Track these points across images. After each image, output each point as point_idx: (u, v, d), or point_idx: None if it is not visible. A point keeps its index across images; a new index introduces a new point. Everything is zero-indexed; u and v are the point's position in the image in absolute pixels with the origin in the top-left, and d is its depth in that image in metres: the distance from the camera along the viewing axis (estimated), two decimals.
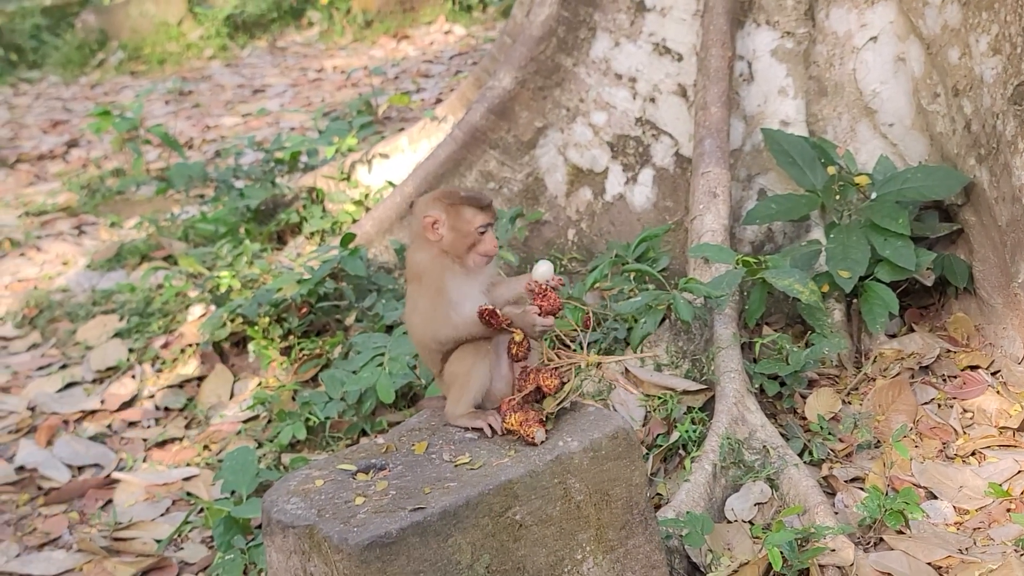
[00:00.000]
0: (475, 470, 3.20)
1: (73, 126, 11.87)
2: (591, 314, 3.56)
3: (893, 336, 5.18)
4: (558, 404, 3.36)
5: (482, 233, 3.42)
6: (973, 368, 4.96)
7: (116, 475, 5.17)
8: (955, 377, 4.94)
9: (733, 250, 5.03)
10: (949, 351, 5.07)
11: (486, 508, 3.09)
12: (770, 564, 3.86)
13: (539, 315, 3.32)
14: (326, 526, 3.02)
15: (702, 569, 3.95)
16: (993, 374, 4.91)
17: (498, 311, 3.32)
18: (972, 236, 5.18)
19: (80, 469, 5.37)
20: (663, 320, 4.82)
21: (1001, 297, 4.99)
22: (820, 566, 3.88)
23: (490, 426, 3.38)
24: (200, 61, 14.71)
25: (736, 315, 4.82)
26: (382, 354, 4.83)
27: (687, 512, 3.96)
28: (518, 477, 3.14)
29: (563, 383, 3.38)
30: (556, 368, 3.40)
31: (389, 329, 5.31)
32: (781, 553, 3.77)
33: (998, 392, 4.78)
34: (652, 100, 5.75)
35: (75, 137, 11.39)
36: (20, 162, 10.75)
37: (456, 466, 3.24)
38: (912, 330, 5.22)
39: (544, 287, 3.35)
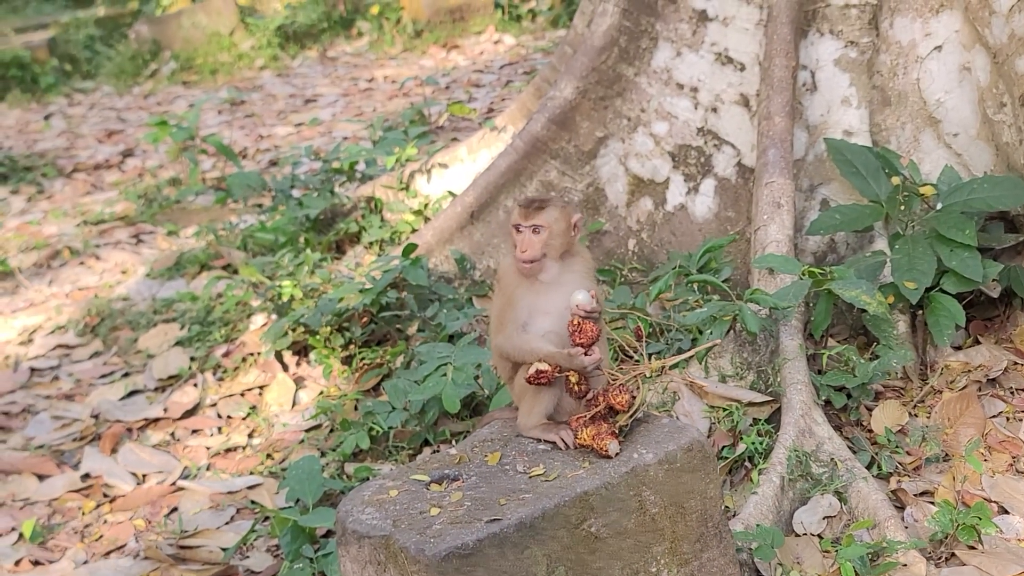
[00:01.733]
0: (550, 482, 3.19)
1: (128, 136, 11.97)
2: (641, 326, 3.52)
3: (959, 348, 5.12)
4: (630, 417, 3.34)
5: (519, 232, 3.39)
6: None
7: (181, 483, 5.21)
8: (1023, 390, 4.88)
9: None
10: (1016, 364, 5.00)
11: (562, 520, 3.08)
12: None
13: (584, 354, 3.31)
14: (403, 536, 3.02)
15: None
16: None
17: (547, 368, 3.32)
18: None
19: (144, 477, 5.40)
20: (728, 331, 4.79)
21: None
22: None
23: (563, 440, 3.35)
24: (251, 71, 14.81)
25: (801, 326, 4.79)
26: (446, 364, 4.82)
27: (757, 525, 3.94)
28: (593, 489, 3.13)
29: (633, 398, 3.35)
30: (623, 385, 3.36)
31: (451, 339, 5.31)
32: (853, 568, 3.74)
33: None
34: (714, 110, 5.73)
35: (130, 147, 11.49)
36: (77, 171, 10.85)
37: (531, 477, 3.24)
38: (978, 342, 5.16)
39: (579, 321, 3.32)
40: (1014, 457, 4.54)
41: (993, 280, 5.08)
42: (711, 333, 4.69)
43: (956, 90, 5.40)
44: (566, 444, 3.34)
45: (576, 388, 3.37)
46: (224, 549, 4.59)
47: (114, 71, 15.21)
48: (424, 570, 2.94)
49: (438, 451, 4.93)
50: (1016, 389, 4.89)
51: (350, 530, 3.15)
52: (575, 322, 3.32)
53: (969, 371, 4.98)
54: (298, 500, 4.54)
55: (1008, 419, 4.75)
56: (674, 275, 5.20)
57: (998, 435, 4.65)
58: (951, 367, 4.99)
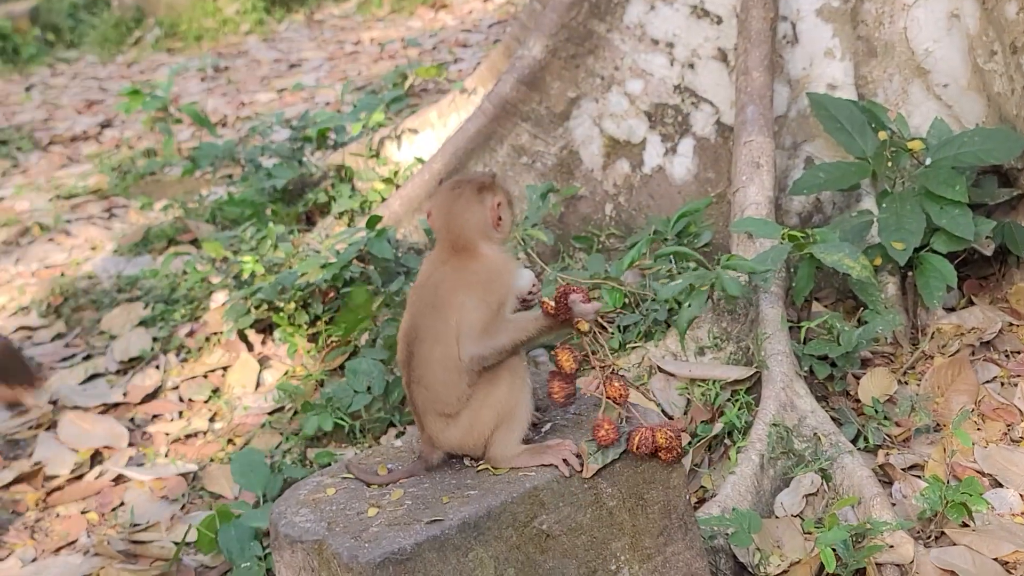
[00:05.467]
0: (498, 476, 2.95)
1: (108, 106, 11.67)
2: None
3: (951, 310, 4.87)
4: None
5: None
6: None
7: (124, 472, 4.96)
8: (1019, 353, 4.64)
9: (779, 223, 4.76)
10: (1012, 325, 4.77)
11: (510, 518, 2.84)
12: (823, 563, 3.61)
13: (582, 301, 2.95)
14: (335, 541, 2.79)
15: (750, 569, 3.69)
16: None
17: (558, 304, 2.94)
18: None
19: (94, 457, 5.16)
20: (706, 300, 4.54)
21: None
22: (877, 564, 3.61)
23: (566, 461, 2.93)
24: (237, 37, 14.50)
25: (783, 293, 4.55)
26: None
27: (733, 509, 3.70)
28: (544, 483, 2.89)
29: (626, 386, 3.06)
30: (616, 375, 3.07)
31: None
32: (835, 552, 3.50)
33: None
34: (691, 66, 5.45)
35: (109, 117, 11.19)
36: (53, 144, 10.57)
37: (478, 471, 2.99)
38: (971, 303, 4.93)
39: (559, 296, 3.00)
40: (1008, 425, 4.30)
41: (987, 237, 4.84)
42: (689, 305, 4.43)
43: (945, 39, 5.14)
44: (570, 467, 2.93)
45: (574, 356, 3.02)
46: (176, 543, 4.35)
47: (98, 40, 14.91)
48: None
49: (403, 433, 4.71)
50: (1011, 352, 4.66)
51: (283, 534, 2.92)
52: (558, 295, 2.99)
53: (962, 334, 4.74)
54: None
55: (1003, 384, 4.51)
56: (648, 242, 4.94)
57: (992, 402, 4.42)
58: (943, 330, 4.75)
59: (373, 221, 5.35)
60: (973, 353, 4.64)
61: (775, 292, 4.49)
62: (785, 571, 3.67)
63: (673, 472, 3.06)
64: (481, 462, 3.01)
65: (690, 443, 4.22)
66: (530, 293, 3.02)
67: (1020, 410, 4.35)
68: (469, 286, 2.93)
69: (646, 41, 5.51)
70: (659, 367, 4.53)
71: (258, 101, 11.12)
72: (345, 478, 3.07)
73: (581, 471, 2.93)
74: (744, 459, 3.98)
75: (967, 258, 4.96)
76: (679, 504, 3.08)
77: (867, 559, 3.57)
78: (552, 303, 2.93)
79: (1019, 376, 4.53)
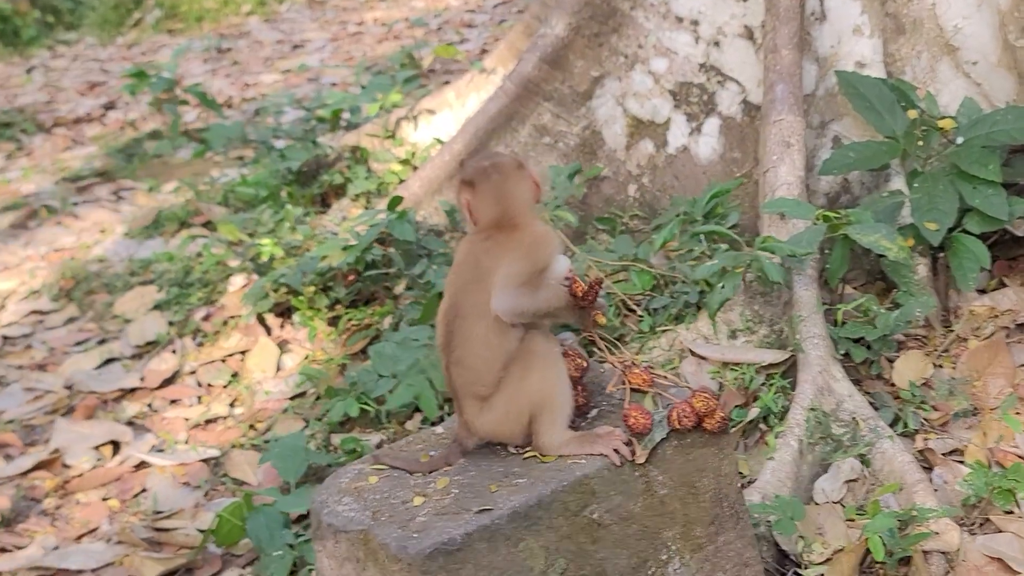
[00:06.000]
0: (545, 463, 2.87)
1: (110, 88, 11.56)
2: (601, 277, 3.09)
3: (983, 292, 4.79)
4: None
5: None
6: None
7: (145, 458, 4.88)
8: None
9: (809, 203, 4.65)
10: None
11: (560, 507, 2.75)
12: (868, 550, 3.54)
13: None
14: (382, 531, 2.70)
15: (793, 558, 3.61)
16: None
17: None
18: None
19: (116, 447, 5.08)
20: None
21: None
22: (923, 552, 3.53)
23: (618, 452, 2.84)
24: (238, 17, 14.39)
25: (816, 274, 4.45)
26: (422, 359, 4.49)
27: (775, 496, 3.62)
28: (595, 471, 2.80)
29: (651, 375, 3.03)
30: (639, 365, 3.03)
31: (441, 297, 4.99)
32: (882, 540, 3.43)
33: None
34: (716, 44, 5.36)
35: (112, 99, 11.08)
36: (57, 126, 10.46)
37: (525, 458, 2.91)
38: (1003, 284, 4.84)
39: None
40: None
41: (1019, 218, 4.75)
42: (722, 287, 4.34)
43: (975, 15, 5.04)
44: (625, 455, 2.85)
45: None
46: (202, 531, 4.27)
47: (98, 21, 14.78)
48: (406, 569, 2.62)
49: (428, 417, 4.63)
50: None
51: (325, 523, 2.83)
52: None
53: (996, 316, 4.66)
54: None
55: None
56: (679, 223, 4.85)
57: None
58: (976, 313, 4.67)
59: (394, 202, 5.25)
60: (1008, 335, 4.56)
61: (809, 274, 4.40)
62: (828, 559, 3.59)
63: (724, 459, 2.98)
64: (528, 449, 2.93)
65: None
66: (565, 278, 2.95)
67: None
68: (513, 251, 2.86)
69: (670, 19, 5.42)
70: (691, 350, 4.44)
71: (262, 82, 11.02)
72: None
73: (633, 459, 2.85)
74: (783, 444, 3.90)
75: (997, 239, 4.87)
76: (730, 492, 3.00)
77: (913, 547, 3.50)
78: (584, 286, 2.89)
79: None
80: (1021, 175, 4.85)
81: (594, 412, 3.04)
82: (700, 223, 4.87)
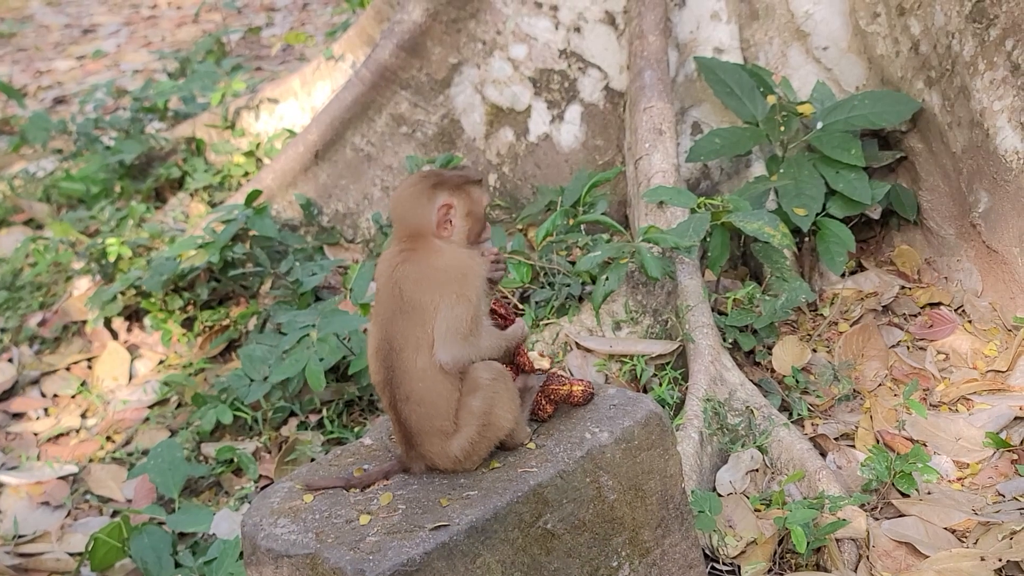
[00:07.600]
0: (494, 472, 2.74)
1: None
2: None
3: (842, 275, 4.86)
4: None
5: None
6: (934, 305, 4.71)
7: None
8: (916, 315, 4.67)
9: None
10: (904, 288, 4.80)
11: (516, 519, 2.64)
12: (780, 541, 3.54)
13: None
14: (332, 554, 2.53)
15: (707, 552, 3.56)
16: (955, 310, 4.64)
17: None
18: (918, 164, 4.93)
19: None
20: None
21: (953, 228, 4.76)
22: (836, 540, 3.54)
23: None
24: (17, 1, 13.62)
25: (698, 263, 4.44)
26: (308, 335, 4.28)
27: (693, 491, 3.57)
28: (548, 479, 2.70)
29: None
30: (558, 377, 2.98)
31: (317, 296, 4.79)
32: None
33: (967, 331, 4.53)
34: (577, 30, 5.29)
35: None
36: None
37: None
38: (861, 267, 4.94)
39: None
40: (925, 390, 4.32)
41: (877, 202, 4.84)
42: (607, 279, 4.27)
43: (825, 1, 5.10)
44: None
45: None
46: (72, 555, 3.98)
47: None
48: None
49: (305, 422, 4.43)
50: (908, 315, 4.69)
51: (263, 548, 2.65)
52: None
53: (863, 299, 4.74)
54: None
55: (909, 348, 4.55)
56: (561, 214, 4.76)
57: (903, 366, 4.44)
58: (843, 296, 4.74)
59: (252, 197, 5.01)
60: (875, 318, 4.64)
61: (691, 263, 4.38)
62: (742, 552, 3.56)
63: (669, 460, 2.92)
64: None
65: None
66: (516, 356, 2.91)
67: (933, 374, 4.37)
68: (439, 285, 2.70)
69: (529, 4, 5.32)
70: (576, 343, 4.37)
71: (57, 69, 10.45)
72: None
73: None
74: (684, 437, 3.86)
75: (848, 221, 4.95)
76: (676, 493, 2.94)
77: (828, 536, 3.50)
78: (531, 364, 2.97)
79: (923, 339, 4.56)
80: (873, 158, 4.94)
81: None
82: (580, 213, 4.78)
